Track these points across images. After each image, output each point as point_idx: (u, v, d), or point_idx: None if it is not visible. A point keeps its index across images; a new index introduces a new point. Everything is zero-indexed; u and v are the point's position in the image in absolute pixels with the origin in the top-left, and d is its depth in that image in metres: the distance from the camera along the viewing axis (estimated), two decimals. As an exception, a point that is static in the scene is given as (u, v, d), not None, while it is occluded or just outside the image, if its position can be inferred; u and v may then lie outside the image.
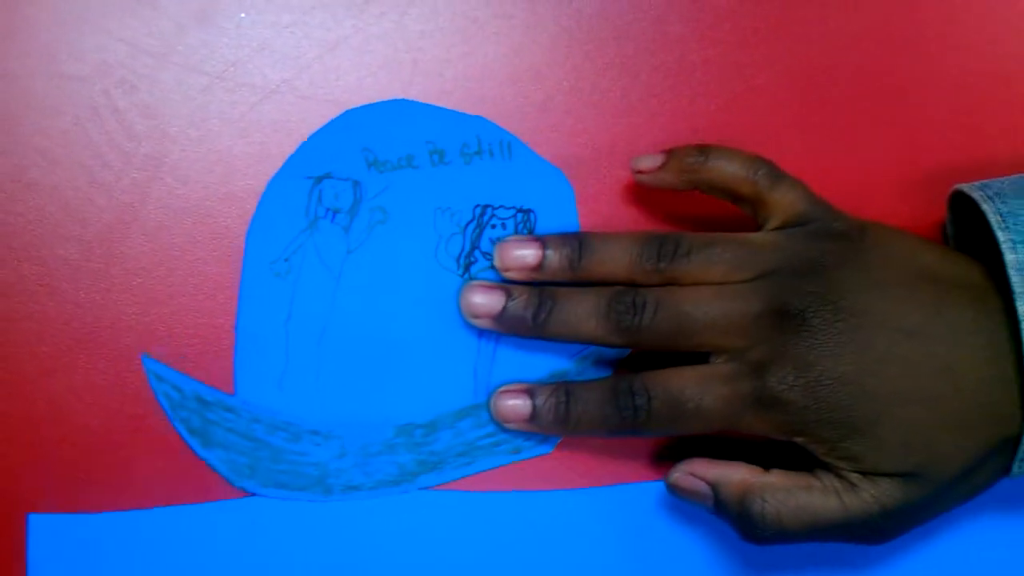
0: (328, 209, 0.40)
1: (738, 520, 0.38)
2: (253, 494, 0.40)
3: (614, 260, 0.38)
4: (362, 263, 0.40)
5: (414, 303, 0.41)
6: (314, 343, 0.40)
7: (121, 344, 0.40)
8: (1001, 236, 0.36)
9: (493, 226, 0.41)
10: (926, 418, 0.36)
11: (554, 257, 0.39)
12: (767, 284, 0.37)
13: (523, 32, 0.41)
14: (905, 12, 0.43)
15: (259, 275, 0.40)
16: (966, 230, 0.41)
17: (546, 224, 0.41)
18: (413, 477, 0.41)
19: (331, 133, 0.40)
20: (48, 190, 0.40)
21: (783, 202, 0.38)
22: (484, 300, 0.39)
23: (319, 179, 0.40)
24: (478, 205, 0.41)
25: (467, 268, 0.41)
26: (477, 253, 0.41)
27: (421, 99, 0.41)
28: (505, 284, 0.39)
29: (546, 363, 0.41)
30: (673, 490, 0.39)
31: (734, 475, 0.38)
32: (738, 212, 0.40)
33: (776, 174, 0.39)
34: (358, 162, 0.40)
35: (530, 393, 0.39)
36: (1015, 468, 0.37)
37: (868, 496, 0.37)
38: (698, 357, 0.38)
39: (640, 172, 0.40)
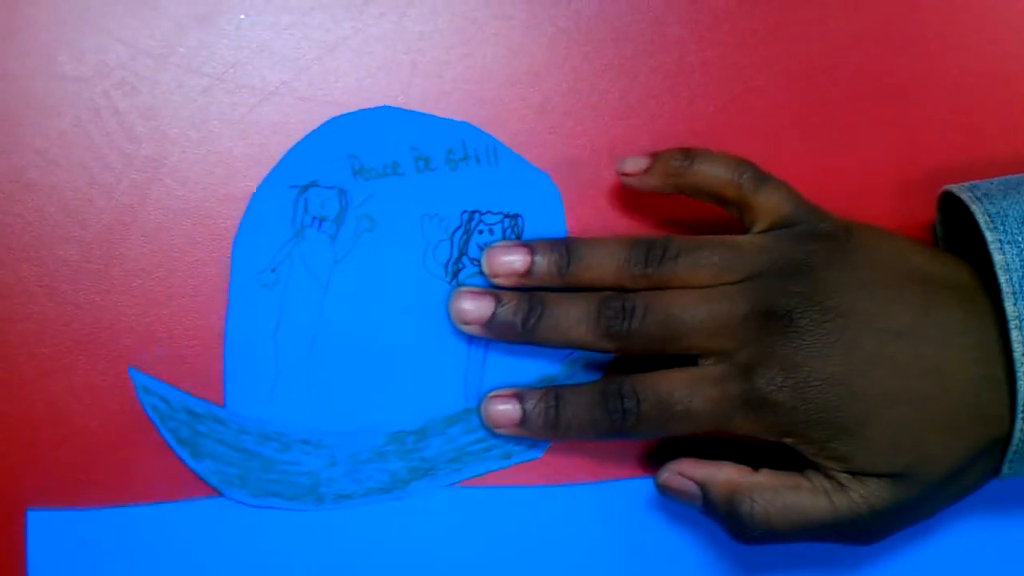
0: (314, 218, 0.40)
1: (726, 520, 0.38)
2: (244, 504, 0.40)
3: (602, 265, 0.38)
4: (349, 272, 0.40)
5: (402, 311, 0.40)
6: (304, 353, 0.40)
7: (121, 345, 0.40)
8: (989, 236, 0.37)
9: (480, 232, 0.41)
10: (915, 419, 0.36)
11: (542, 263, 0.39)
12: (754, 286, 0.37)
13: (522, 33, 0.41)
14: (905, 12, 0.43)
15: (246, 286, 0.40)
16: (956, 231, 0.41)
17: (533, 229, 0.41)
18: (404, 484, 0.41)
19: (315, 141, 0.40)
20: (47, 191, 0.40)
21: (768, 204, 0.39)
22: (473, 306, 0.39)
23: (304, 188, 0.40)
24: (465, 211, 0.41)
25: (455, 275, 0.41)
26: (465, 259, 0.41)
27: (420, 100, 0.41)
28: (494, 290, 0.39)
29: (536, 367, 0.41)
30: (662, 490, 0.40)
31: (722, 475, 0.38)
32: (726, 215, 0.40)
33: (761, 177, 0.39)
34: (343, 170, 0.40)
35: (520, 398, 0.39)
36: (1004, 469, 0.37)
37: (857, 496, 0.37)
38: (688, 360, 0.38)
39: (625, 174, 0.40)
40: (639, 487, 0.41)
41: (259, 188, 0.40)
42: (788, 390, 0.36)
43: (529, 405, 0.39)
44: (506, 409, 0.39)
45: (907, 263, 0.38)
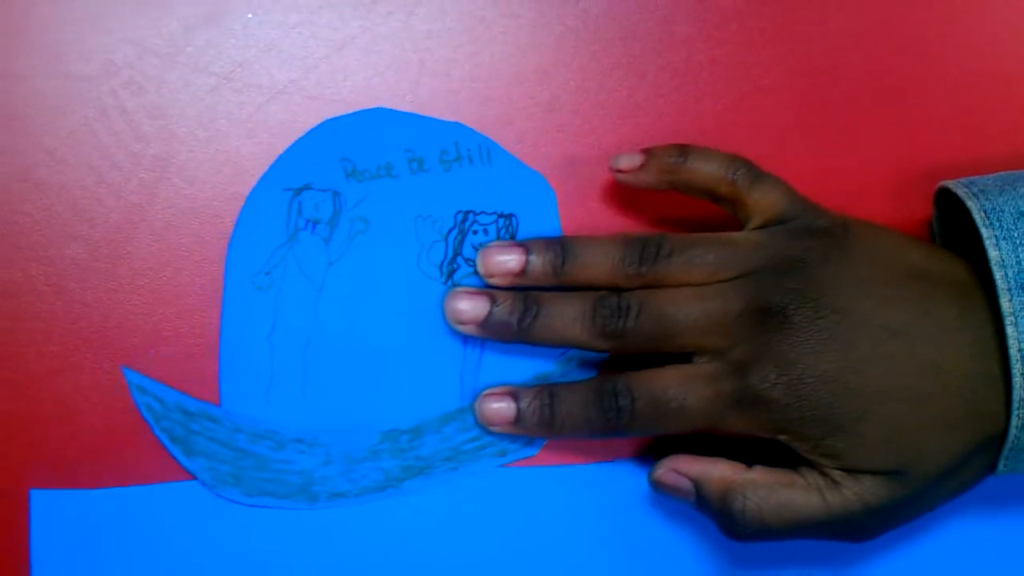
0: (308, 220, 0.40)
1: (720, 517, 0.38)
2: (238, 503, 0.40)
3: (597, 264, 0.38)
4: (344, 274, 0.40)
5: (397, 312, 0.40)
6: (299, 356, 0.40)
7: (128, 344, 0.40)
8: (985, 232, 0.37)
9: (475, 232, 0.41)
10: (910, 416, 0.36)
11: (537, 262, 0.39)
12: (748, 283, 0.37)
13: (530, 32, 0.41)
14: (909, 12, 0.43)
15: (241, 290, 0.40)
16: (952, 226, 0.41)
17: (528, 228, 0.41)
18: (398, 483, 0.41)
19: (309, 144, 0.40)
20: (56, 190, 0.40)
21: (763, 201, 0.38)
22: (469, 306, 0.39)
23: (298, 191, 0.40)
24: (459, 211, 0.41)
25: (450, 275, 0.41)
26: (460, 260, 0.41)
27: (428, 98, 0.41)
28: (489, 290, 0.39)
29: (530, 366, 0.41)
30: (656, 486, 0.40)
31: (716, 472, 0.38)
32: (722, 213, 0.40)
33: (756, 173, 0.39)
34: (337, 172, 0.40)
35: (514, 396, 0.39)
36: (1000, 466, 0.37)
37: (851, 494, 0.37)
38: (684, 358, 0.38)
39: (620, 171, 0.39)
40: (634, 469, 0.41)
41: (253, 191, 0.40)
42: (782, 387, 0.36)
43: (523, 403, 0.39)
44: (500, 407, 0.39)
45: (904, 260, 0.38)
